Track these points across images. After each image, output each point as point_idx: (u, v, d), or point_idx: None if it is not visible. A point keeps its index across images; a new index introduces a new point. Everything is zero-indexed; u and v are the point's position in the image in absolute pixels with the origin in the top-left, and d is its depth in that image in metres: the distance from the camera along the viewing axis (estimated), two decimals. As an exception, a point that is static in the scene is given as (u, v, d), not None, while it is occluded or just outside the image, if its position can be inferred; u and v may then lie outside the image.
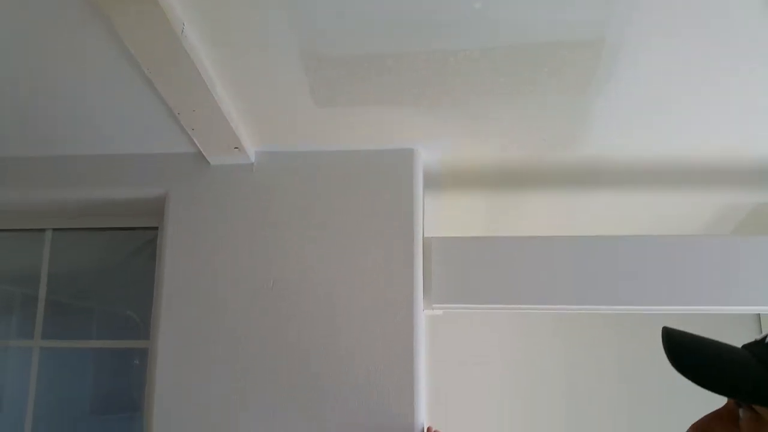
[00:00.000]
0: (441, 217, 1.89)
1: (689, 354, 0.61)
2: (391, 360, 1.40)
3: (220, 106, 1.26)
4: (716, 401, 0.61)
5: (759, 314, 2.09)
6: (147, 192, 1.57)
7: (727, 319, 1.57)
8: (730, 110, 1.31)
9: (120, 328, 1.68)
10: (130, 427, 1.68)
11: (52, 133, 1.52)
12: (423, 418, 1.39)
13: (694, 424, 0.62)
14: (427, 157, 1.52)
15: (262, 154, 1.53)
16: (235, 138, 1.40)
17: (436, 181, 1.63)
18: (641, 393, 2.13)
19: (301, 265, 1.46)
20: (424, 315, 1.48)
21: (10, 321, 1.74)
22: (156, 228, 1.63)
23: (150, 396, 1.46)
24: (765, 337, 0.60)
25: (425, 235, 1.50)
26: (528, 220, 1.86)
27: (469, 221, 1.91)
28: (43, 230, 1.69)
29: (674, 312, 1.43)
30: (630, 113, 1.32)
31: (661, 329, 0.63)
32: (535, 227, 1.86)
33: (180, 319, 1.47)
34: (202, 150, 1.46)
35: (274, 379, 1.41)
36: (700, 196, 1.67)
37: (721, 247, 1.44)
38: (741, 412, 0.59)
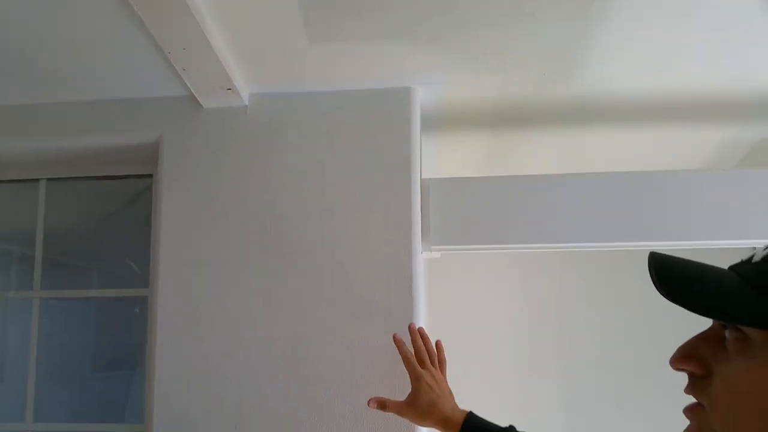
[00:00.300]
0: (439, 159, 1.88)
1: (674, 277, 0.61)
2: (390, 305, 1.40)
3: (211, 44, 1.23)
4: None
5: (754, 247, 2.09)
6: (139, 138, 1.54)
7: (724, 254, 1.57)
8: (733, 41, 1.28)
9: (119, 277, 1.68)
10: (132, 384, 1.70)
11: (39, 79, 1.48)
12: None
13: (680, 347, 0.62)
14: (425, 96, 1.49)
15: (255, 96, 1.50)
16: (227, 79, 1.36)
17: (435, 122, 1.61)
18: (639, 327, 2.15)
19: (298, 207, 1.45)
20: (422, 257, 1.49)
21: (8, 273, 1.73)
22: (150, 175, 1.62)
23: (151, 344, 1.47)
24: (752, 257, 0.59)
25: (423, 177, 1.49)
26: (528, 160, 1.84)
27: (468, 163, 1.89)
28: (36, 180, 1.67)
29: (674, 247, 1.43)
30: (630, 46, 1.28)
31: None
32: (535, 167, 1.84)
33: (178, 265, 1.47)
34: (194, 92, 1.43)
35: (273, 321, 1.42)
36: (701, 131, 1.65)
37: (723, 181, 1.43)
38: (727, 333, 0.59)
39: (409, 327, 1.34)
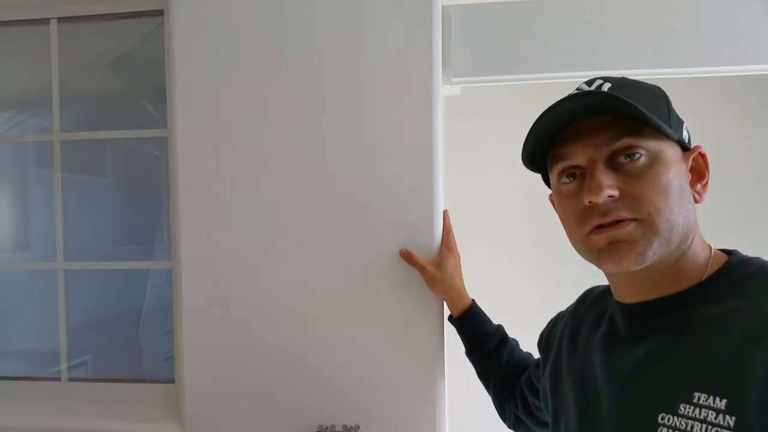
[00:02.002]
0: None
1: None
2: (407, 142, 1.38)
3: None
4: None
5: None
6: (148, -32, 1.48)
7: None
8: None
9: (136, 120, 1.67)
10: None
11: None
12: (441, 203, 1.40)
13: (593, 186, 0.75)
14: None
15: None
16: None
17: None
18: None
19: (314, 41, 1.41)
20: (442, 92, 1.45)
21: (25, 115, 1.73)
22: (161, 11, 1.57)
23: (174, 183, 1.48)
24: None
25: (444, 3, 1.42)
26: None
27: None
28: (47, 20, 1.63)
29: (716, 74, 1.36)
30: None
31: None
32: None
33: (194, 104, 1.46)
34: None
35: (293, 150, 1.42)
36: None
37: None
38: (622, 160, 0.75)
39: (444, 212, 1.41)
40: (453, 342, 1.46)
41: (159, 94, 1.59)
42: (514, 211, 2.10)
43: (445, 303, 1.38)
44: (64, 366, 1.70)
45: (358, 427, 1.40)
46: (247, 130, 1.43)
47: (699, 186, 0.75)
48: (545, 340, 1.04)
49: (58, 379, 1.70)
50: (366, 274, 1.40)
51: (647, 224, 0.72)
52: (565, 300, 1.06)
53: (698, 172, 0.76)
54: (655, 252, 0.72)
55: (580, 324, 0.92)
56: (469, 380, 1.74)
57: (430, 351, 1.39)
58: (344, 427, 1.41)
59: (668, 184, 0.72)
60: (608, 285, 0.88)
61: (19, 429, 1.59)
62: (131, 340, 1.77)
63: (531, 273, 2.12)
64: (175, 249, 1.52)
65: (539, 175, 0.91)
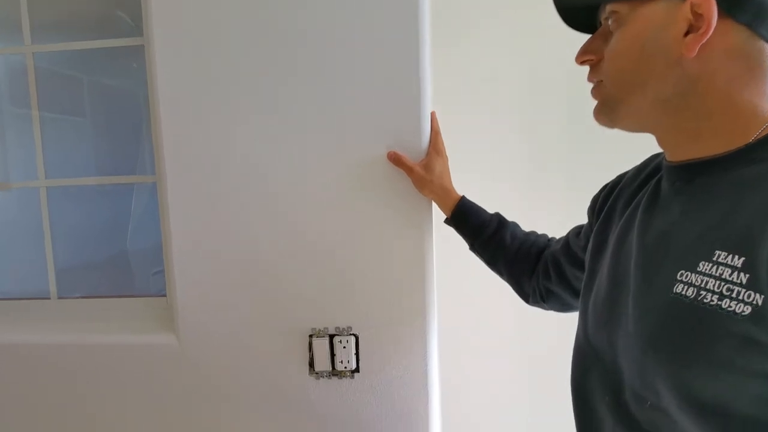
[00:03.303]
0: None
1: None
2: (395, 39, 1.34)
3: None
4: None
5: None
6: None
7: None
8: None
9: (111, 29, 1.61)
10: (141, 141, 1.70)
11: None
12: (428, 104, 1.38)
13: (580, 48, 0.80)
14: None
15: None
16: None
17: None
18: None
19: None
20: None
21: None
22: None
23: (154, 97, 1.44)
24: None
25: None
26: None
27: None
28: (8, -77, 1.54)
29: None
30: None
31: None
32: None
33: (171, 9, 1.40)
34: None
35: (274, 65, 1.38)
36: None
37: None
38: (609, 23, 0.75)
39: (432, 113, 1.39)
40: (441, 245, 1.47)
41: (135, 3, 1.52)
42: (503, 119, 2.07)
43: (435, 205, 1.38)
44: (53, 284, 1.70)
45: (350, 328, 1.43)
46: (227, 34, 1.39)
47: (690, 37, 0.66)
48: (598, 205, 0.99)
49: (48, 298, 1.70)
50: (354, 177, 1.39)
51: (604, 86, 0.77)
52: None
53: (692, 23, 0.67)
54: (625, 113, 0.76)
55: (637, 189, 0.89)
56: (458, 281, 1.77)
57: (419, 253, 1.40)
58: (337, 328, 1.43)
59: (626, 45, 0.72)
60: None
61: (11, 346, 1.59)
62: (119, 279, 1.78)
63: (523, 182, 2.12)
64: (158, 161, 1.49)
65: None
